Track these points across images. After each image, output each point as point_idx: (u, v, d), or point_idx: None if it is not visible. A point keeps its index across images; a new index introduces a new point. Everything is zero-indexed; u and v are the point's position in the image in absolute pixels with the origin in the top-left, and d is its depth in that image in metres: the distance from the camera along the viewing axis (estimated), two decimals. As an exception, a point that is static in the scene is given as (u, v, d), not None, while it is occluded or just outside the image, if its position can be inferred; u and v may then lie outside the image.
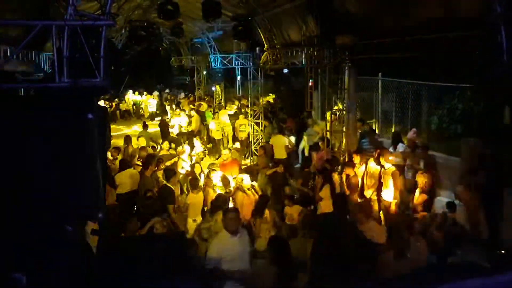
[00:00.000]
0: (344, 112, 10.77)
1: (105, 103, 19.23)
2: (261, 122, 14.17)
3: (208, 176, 8.69)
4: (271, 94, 18.89)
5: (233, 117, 15.33)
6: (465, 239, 7.23)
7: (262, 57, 13.16)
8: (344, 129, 10.90)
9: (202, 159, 10.75)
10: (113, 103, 23.21)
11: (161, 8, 10.51)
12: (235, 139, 14.56)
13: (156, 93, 26.69)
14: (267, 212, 6.58)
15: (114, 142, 11.65)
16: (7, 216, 3.34)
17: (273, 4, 12.05)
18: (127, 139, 11.52)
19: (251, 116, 14.15)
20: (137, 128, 18.88)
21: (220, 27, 16.43)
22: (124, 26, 15.61)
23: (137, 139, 11.74)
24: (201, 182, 8.60)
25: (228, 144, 14.47)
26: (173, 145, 11.61)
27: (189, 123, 15.59)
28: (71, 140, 3.18)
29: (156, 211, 7.26)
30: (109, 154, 9.49)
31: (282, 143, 11.60)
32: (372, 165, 8.34)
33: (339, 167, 9.23)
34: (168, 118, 17.75)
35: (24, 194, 3.21)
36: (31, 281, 3.28)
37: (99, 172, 3.23)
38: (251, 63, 14.45)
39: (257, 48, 13.58)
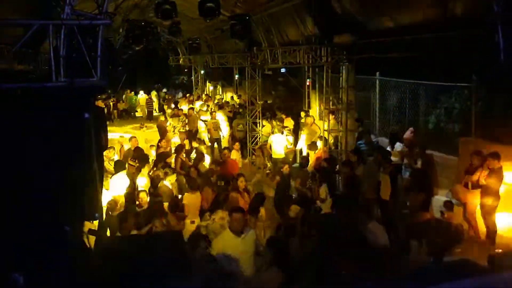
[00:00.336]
0: (342, 112, 10.77)
1: (101, 103, 19.15)
2: (259, 122, 14.17)
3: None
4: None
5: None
6: (462, 238, 7.25)
7: (260, 56, 13.15)
8: (341, 128, 10.90)
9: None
10: (111, 102, 23.13)
11: (158, 7, 10.48)
12: (233, 138, 14.55)
13: (154, 92, 26.64)
14: (262, 210, 6.57)
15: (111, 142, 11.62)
16: (3, 216, 3.32)
17: (271, 3, 12.03)
18: (124, 138, 11.50)
19: (248, 116, 14.15)
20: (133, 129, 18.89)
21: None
22: (121, 25, 15.58)
23: (130, 140, 11.66)
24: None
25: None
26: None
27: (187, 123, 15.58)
28: (68, 139, 3.17)
29: (160, 211, 7.26)
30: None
31: (280, 143, 11.61)
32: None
33: (337, 167, 9.25)
34: (165, 118, 17.72)
35: (20, 194, 3.20)
36: (29, 281, 3.27)
37: (96, 171, 3.21)
38: (248, 62, 14.42)
39: (254, 48, 13.56)
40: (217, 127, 14.58)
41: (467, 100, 10.12)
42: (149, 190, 8.00)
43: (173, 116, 16.34)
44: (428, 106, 11.35)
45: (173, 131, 14.63)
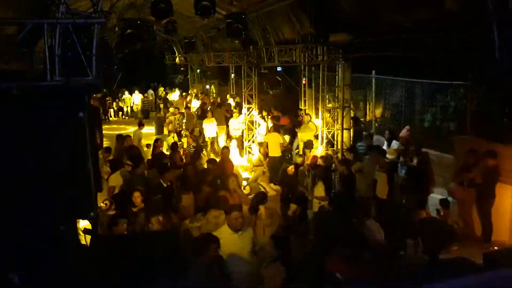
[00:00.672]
0: (338, 110, 10.78)
1: (96, 102, 19.07)
2: (255, 121, 14.16)
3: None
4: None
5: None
6: (458, 236, 7.28)
7: (256, 55, 13.15)
8: (338, 126, 10.92)
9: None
10: (107, 102, 23.06)
11: (154, 6, 10.45)
12: (229, 137, 14.54)
13: (150, 91, 26.55)
14: (262, 208, 6.55)
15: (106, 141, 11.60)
16: (-2, 216, 3.31)
17: (267, 2, 12.03)
18: (120, 138, 11.45)
19: (245, 114, 14.14)
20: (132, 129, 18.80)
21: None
22: (117, 24, 15.54)
23: (125, 139, 11.60)
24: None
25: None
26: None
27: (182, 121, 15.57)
28: (63, 138, 3.16)
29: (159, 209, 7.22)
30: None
31: (276, 141, 11.61)
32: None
33: (333, 165, 9.26)
34: (161, 116, 17.70)
35: (14, 193, 3.19)
36: (25, 281, 3.26)
37: (91, 171, 3.21)
38: (244, 61, 14.41)
39: (251, 46, 13.55)
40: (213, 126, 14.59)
41: (463, 98, 10.16)
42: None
43: (169, 115, 16.33)
44: (424, 105, 11.38)
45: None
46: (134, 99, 24.73)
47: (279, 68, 13.56)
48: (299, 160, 9.66)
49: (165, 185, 7.88)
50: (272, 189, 10.52)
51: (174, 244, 3.95)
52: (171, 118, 15.60)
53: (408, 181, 8.20)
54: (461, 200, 7.67)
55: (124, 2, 13.49)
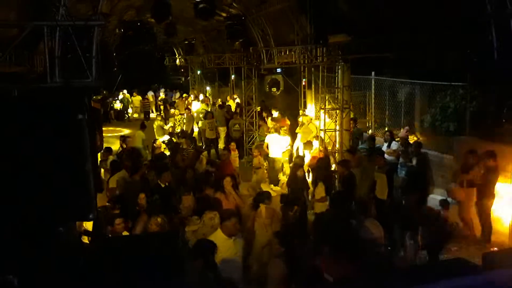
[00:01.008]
0: (338, 111, 10.80)
1: (97, 104, 19.10)
2: (255, 122, 14.18)
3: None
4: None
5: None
6: (457, 237, 7.30)
7: (256, 56, 13.18)
8: (337, 127, 10.94)
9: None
10: (108, 103, 23.09)
11: (153, 8, 10.50)
12: (229, 138, 14.56)
13: (151, 93, 26.57)
14: (262, 207, 6.56)
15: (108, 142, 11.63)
16: (-3, 218, 3.33)
17: (266, 3, 12.06)
18: (123, 139, 11.49)
19: (245, 116, 14.17)
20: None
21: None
22: (117, 26, 15.58)
23: (125, 140, 11.63)
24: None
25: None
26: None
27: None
28: (61, 140, 3.17)
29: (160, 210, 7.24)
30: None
31: (277, 142, 11.63)
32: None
33: (333, 166, 9.28)
34: (162, 118, 17.72)
35: (13, 194, 3.20)
36: (23, 283, 3.27)
37: (90, 172, 3.22)
38: (244, 62, 14.45)
39: (250, 48, 13.58)
40: (213, 127, 14.60)
41: (462, 99, 10.18)
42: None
43: (169, 116, 16.37)
44: (423, 105, 11.41)
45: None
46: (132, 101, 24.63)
47: (278, 70, 13.59)
48: (298, 161, 9.67)
49: (162, 185, 7.91)
50: (272, 191, 10.54)
51: (173, 246, 3.96)
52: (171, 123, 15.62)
53: (407, 182, 8.22)
54: (461, 201, 7.68)
55: (124, 4, 13.52)
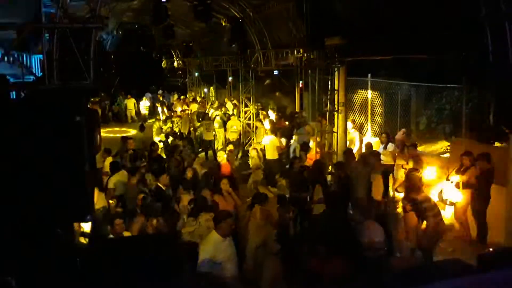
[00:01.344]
0: (334, 113, 10.84)
1: (96, 106, 19.09)
2: (253, 123, 14.21)
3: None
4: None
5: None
6: (453, 238, 7.34)
7: (253, 58, 13.22)
8: (334, 129, 10.98)
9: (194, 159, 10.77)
10: (106, 105, 23.04)
11: (152, 11, 10.55)
12: (226, 140, 14.59)
13: (148, 95, 26.53)
14: (257, 207, 6.59)
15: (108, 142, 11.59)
16: (-4, 219, 3.34)
17: (263, 6, 12.12)
18: (124, 140, 11.50)
19: (243, 118, 14.20)
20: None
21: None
22: (115, 28, 15.61)
23: (126, 141, 11.63)
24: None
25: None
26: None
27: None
28: (59, 142, 3.20)
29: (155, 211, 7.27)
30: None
31: (274, 144, 11.66)
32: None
33: (330, 167, 9.31)
34: (160, 120, 17.73)
35: (12, 196, 3.22)
36: (21, 285, 3.28)
37: (88, 174, 3.25)
38: (242, 64, 14.48)
39: (248, 50, 13.62)
40: (210, 129, 14.62)
41: (458, 101, 10.24)
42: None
43: (166, 118, 16.37)
44: (419, 107, 11.47)
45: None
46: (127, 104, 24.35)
47: (275, 72, 13.65)
48: (296, 163, 9.70)
49: (163, 188, 7.95)
50: (269, 192, 10.56)
51: (170, 247, 3.98)
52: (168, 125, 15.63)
53: (402, 183, 8.25)
54: (456, 202, 7.72)
55: (122, 6, 13.55)
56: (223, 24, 13.23)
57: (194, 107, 18.71)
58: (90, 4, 5.42)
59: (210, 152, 14.30)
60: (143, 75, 26.87)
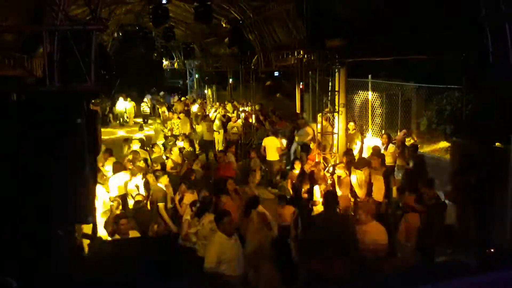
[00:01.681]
0: (335, 114, 10.85)
1: (97, 107, 19.12)
2: (253, 124, 14.22)
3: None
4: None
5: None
6: (454, 239, 7.33)
7: (253, 60, 13.24)
8: (335, 130, 10.99)
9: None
10: (106, 107, 23.03)
11: (152, 13, 10.57)
12: (227, 141, 14.59)
13: (148, 96, 26.54)
14: (254, 213, 6.61)
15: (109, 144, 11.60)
16: (-2, 221, 3.35)
17: (264, 8, 12.14)
18: (126, 142, 11.52)
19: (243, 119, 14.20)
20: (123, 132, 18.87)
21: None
22: (115, 30, 15.64)
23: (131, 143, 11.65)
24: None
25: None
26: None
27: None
28: (60, 144, 3.21)
29: (150, 214, 7.32)
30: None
31: (274, 145, 11.66)
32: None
33: (330, 168, 9.31)
34: (160, 121, 17.76)
35: (13, 198, 3.23)
36: (23, 285, 3.29)
37: (89, 175, 3.25)
38: (242, 66, 14.50)
39: (248, 52, 13.64)
40: (211, 129, 14.63)
41: (458, 102, 10.24)
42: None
43: (166, 120, 16.38)
44: (420, 108, 11.47)
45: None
46: (126, 107, 24.22)
47: (276, 73, 13.67)
48: (297, 165, 9.71)
49: (164, 189, 7.98)
50: (270, 193, 10.57)
51: (171, 249, 3.99)
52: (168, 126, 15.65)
53: (404, 184, 8.26)
54: (457, 203, 7.72)
55: (122, 8, 13.58)
56: (224, 25, 13.25)
57: (194, 108, 18.74)
58: (91, 6, 5.43)
59: (210, 153, 14.31)
60: (144, 77, 26.94)
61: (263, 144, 12.07)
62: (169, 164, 10.31)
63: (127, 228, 5.96)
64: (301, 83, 14.39)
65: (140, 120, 23.08)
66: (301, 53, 11.36)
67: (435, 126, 11.01)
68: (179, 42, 20.83)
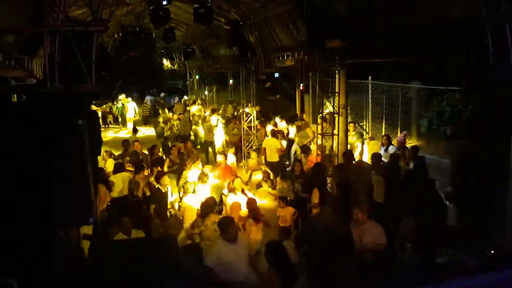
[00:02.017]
0: (335, 115, 10.86)
1: (97, 108, 19.14)
2: (254, 126, 14.22)
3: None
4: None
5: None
6: (454, 239, 7.32)
7: (254, 61, 13.24)
8: (335, 131, 10.99)
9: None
10: (106, 108, 23.05)
11: (152, 14, 10.58)
12: (227, 143, 14.59)
13: (149, 97, 26.56)
14: (249, 222, 6.65)
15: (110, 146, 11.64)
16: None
17: (264, 9, 12.14)
18: (125, 143, 11.54)
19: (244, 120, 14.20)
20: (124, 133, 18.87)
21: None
22: (116, 31, 15.66)
23: (133, 143, 11.66)
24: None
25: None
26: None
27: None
28: (61, 145, 3.22)
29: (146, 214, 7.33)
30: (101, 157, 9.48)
31: (274, 146, 11.67)
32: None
33: (330, 170, 9.30)
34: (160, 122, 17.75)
35: (13, 199, 3.23)
36: (23, 285, 3.29)
37: (90, 177, 3.26)
38: (242, 67, 14.51)
39: (248, 53, 13.65)
40: (211, 130, 14.65)
41: (458, 103, 10.26)
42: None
43: (166, 121, 16.40)
44: (420, 109, 11.48)
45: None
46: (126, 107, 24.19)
47: (276, 74, 13.67)
48: (297, 166, 9.71)
49: (164, 190, 7.98)
50: (269, 194, 10.56)
51: (172, 250, 3.99)
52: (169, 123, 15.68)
53: (404, 185, 8.26)
54: (457, 204, 7.72)
55: (123, 9, 13.60)
56: (224, 26, 13.26)
57: (194, 109, 18.77)
58: (92, 7, 5.45)
59: (210, 153, 14.33)
60: (144, 78, 26.94)
61: (263, 145, 12.08)
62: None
63: (130, 227, 5.97)
64: (301, 84, 14.40)
65: (140, 120, 23.11)
66: (302, 54, 11.37)
67: (435, 127, 11.02)
68: (180, 43, 20.86)
